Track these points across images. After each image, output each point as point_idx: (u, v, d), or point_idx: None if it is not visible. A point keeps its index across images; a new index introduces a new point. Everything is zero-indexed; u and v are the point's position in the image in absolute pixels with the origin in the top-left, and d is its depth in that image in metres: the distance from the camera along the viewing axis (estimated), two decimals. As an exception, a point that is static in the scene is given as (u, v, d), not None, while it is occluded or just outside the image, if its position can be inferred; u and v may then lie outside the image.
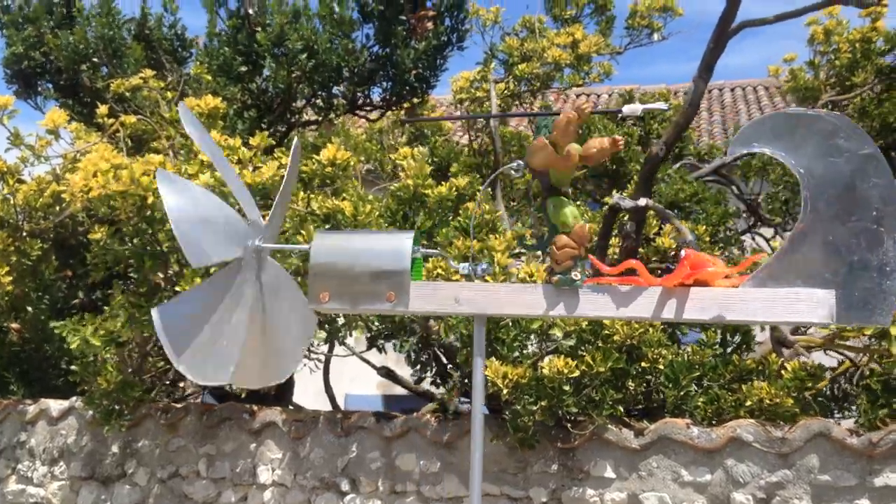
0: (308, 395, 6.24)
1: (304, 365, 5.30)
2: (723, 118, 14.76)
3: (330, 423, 4.59)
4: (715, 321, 2.09)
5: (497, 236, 4.08)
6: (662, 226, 5.80)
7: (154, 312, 2.12)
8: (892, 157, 7.25)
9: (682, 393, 3.93)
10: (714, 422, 3.94)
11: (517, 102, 7.37)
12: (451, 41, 6.20)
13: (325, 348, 5.37)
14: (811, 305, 2.02)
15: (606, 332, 3.86)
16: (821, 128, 2.05)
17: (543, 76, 6.65)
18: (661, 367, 3.92)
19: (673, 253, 5.52)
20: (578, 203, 6.98)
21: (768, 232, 7.57)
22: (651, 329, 3.90)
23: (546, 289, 2.19)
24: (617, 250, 5.32)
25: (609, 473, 3.95)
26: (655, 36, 7.06)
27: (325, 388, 5.79)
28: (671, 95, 7.70)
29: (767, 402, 3.83)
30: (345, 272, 2.21)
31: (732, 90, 16.80)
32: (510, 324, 4.08)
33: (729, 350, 4.23)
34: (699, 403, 3.97)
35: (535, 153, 2.10)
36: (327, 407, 5.38)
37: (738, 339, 4.23)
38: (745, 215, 7.49)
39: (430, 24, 5.88)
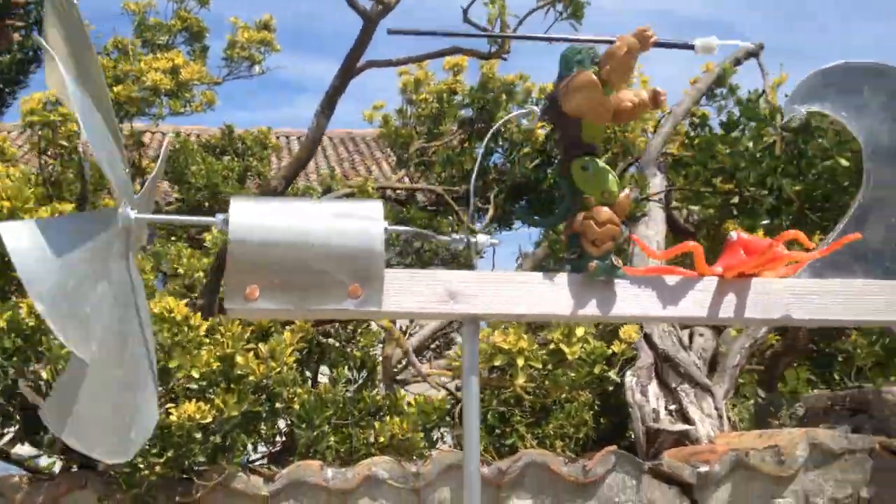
0: None
1: None
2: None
3: None
4: (783, 322, 1.63)
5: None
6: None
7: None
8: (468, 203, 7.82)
9: (315, 433, 3.79)
10: (346, 460, 3.85)
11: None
12: (37, 56, 5.57)
13: None
14: (885, 301, 1.65)
15: (239, 372, 3.60)
16: (888, 85, 1.69)
17: (140, 101, 6.21)
18: (296, 407, 3.75)
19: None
20: (174, 239, 6.62)
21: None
22: (286, 368, 3.72)
23: (572, 280, 1.62)
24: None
25: (236, 525, 3.68)
26: (256, 68, 6.96)
27: None
28: (271, 135, 7.60)
29: (399, 437, 3.83)
30: (286, 256, 1.47)
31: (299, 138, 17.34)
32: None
33: (355, 387, 4.18)
34: (331, 443, 3.86)
35: (578, 92, 1.51)
36: None
37: (364, 374, 4.20)
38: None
39: (15, 36, 5.23)
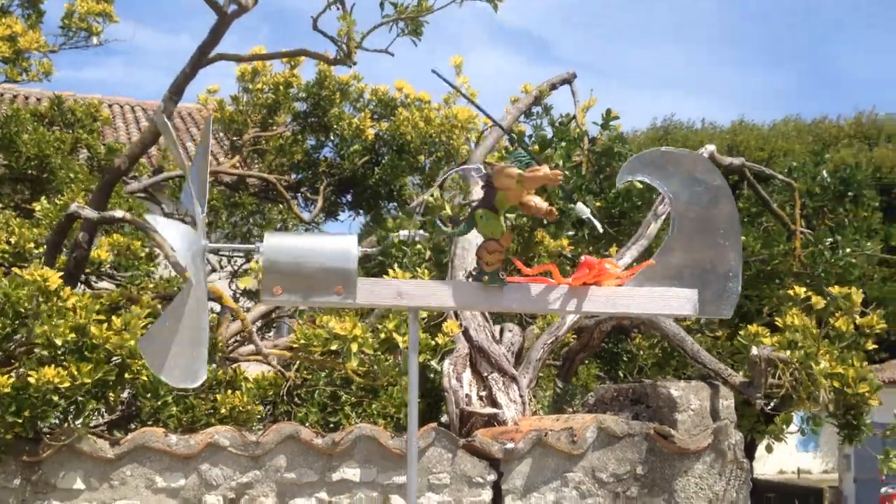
0: None
1: None
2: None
3: None
4: (609, 314, 2.42)
5: None
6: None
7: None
8: (298, 193, 8.15)
9: (159, 402, 4.06)
10: (188, 429, 4.13)
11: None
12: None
13: None
14: (681, 301, 2.51)
15: (94, 342, 3.82)
16: (685, 163, 2.53)
17: (-25, 66, 6.15)
18: (144, 377, 4.00)
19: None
20: (1, 207, 6.57)
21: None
22: (135, 341, 3.96)
23: (475, 286, 2.48)
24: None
25: (79, 485, 3.89)
26: (94, 39, 6.97)
27: None
28: (101, 107, 7.61)
29: (240, 409, 4.15)
30: (297, 268, 2.32)
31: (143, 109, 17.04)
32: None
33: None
34: (174, 412, 4.13)
35: (505, 178, 2.34)
36: None
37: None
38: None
39: None
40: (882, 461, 4.66)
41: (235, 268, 7.96)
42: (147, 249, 6.36)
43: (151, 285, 5.91)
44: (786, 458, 22.64)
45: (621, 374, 7.26)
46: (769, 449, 6.18)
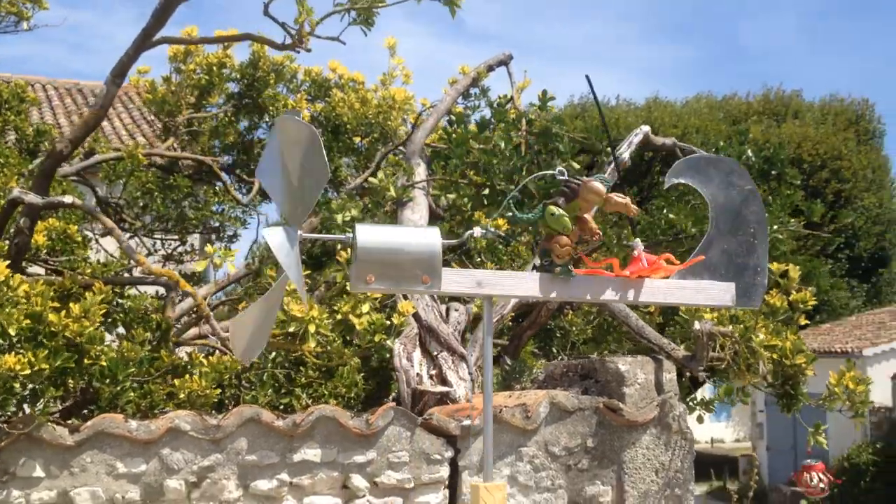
0: None
1: None
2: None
3: None
4: (661, 303, 2.88)
5: None
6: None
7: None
8: (231, 174, 8.09)
9: (118, 388, 4.05)
10: (144, 414, 4.13)
11: None
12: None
13: None
14: (721, 293, 2.84)
15: (52, 329, 3.79)
16: (722, 168, 2.85)
17: None
18: (103, 363, 3.98)
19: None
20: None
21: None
22: (94, 328, 3.94)
23: (543, 277, 2.74)
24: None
25: (38, 473, 3.86)
26: (24, 24, 6.81)
27: None
28: (28, 89, 7.41)
29: (198, 393, 4.17)
30: (388, 258, 2.52)
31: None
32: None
33: (149, 347, 4.45)
34: (132, 398, 4.13)
35: (592, 193, 2.68)
36: None
37: (158, 334, 4.48)
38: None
39: None
40: (811, 434, 4.92)
41: (169, 251, 7.88)
42: (82, 234, 6.28)
43: (89, 270, 5.85)
44: (699, 427, 23.38)
45: (555, 350, 7.46)
46: (700, 420, 6.44)
